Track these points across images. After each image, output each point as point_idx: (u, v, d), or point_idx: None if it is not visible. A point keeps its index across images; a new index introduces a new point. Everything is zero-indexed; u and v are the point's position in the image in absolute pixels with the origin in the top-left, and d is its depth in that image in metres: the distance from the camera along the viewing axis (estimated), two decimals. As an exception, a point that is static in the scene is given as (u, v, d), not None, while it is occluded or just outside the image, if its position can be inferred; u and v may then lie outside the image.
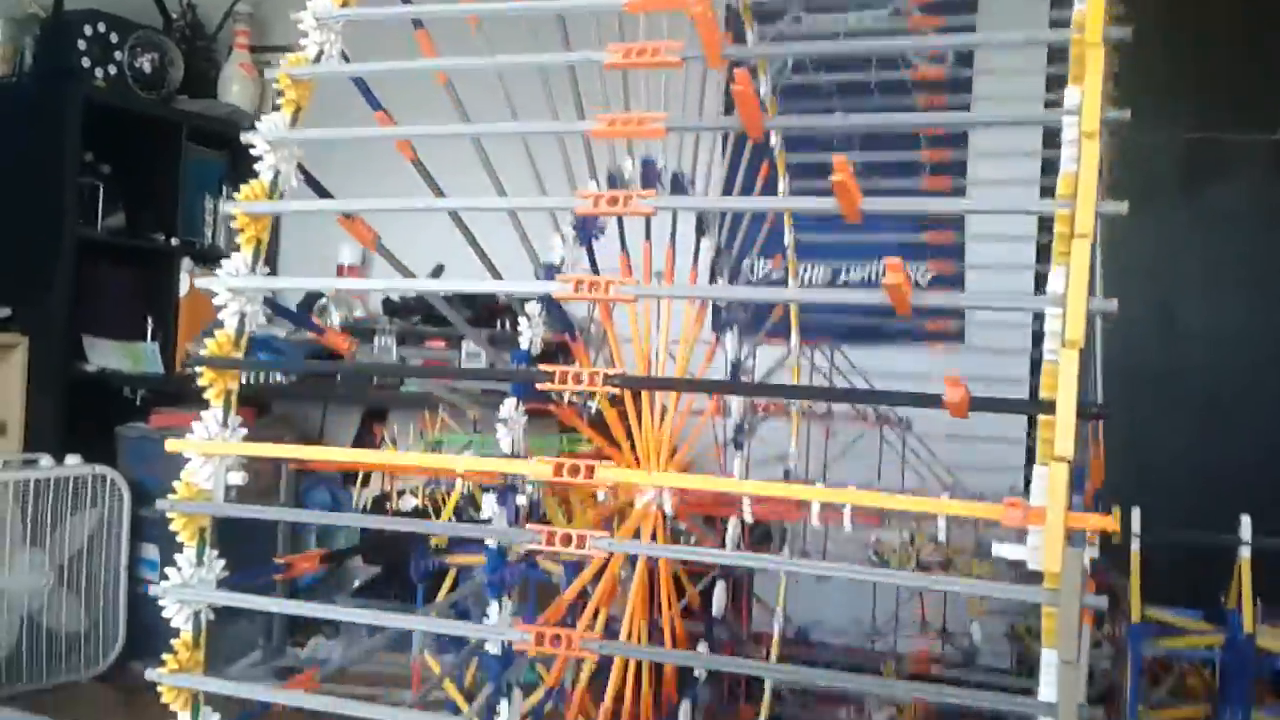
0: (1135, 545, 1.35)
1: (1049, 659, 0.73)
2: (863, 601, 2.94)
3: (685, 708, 1.43)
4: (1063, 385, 0.76)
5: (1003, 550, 0.75)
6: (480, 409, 1.54)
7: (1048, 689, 0.73)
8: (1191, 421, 3.30)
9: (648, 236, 1.27)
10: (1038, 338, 3.23)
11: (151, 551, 3.25)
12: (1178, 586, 1.51)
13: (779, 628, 2.20)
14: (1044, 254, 2.76)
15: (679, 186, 1.33)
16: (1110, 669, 1.71)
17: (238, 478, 0.95)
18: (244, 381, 0.99)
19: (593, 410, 1.93)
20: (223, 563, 0.87)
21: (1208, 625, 1.36)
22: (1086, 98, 0.83)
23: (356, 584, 3.80)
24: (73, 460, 3.08)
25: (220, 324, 0.95)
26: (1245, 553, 1.48)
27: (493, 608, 1.18)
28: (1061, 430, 0.75)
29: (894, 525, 2.82)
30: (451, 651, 1.73)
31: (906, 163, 2.40)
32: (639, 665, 1.30)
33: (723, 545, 1.53)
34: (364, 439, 3.74)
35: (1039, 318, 3.02)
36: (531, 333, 1.16)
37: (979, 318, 3.02)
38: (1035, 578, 0.76)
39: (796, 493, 1.07)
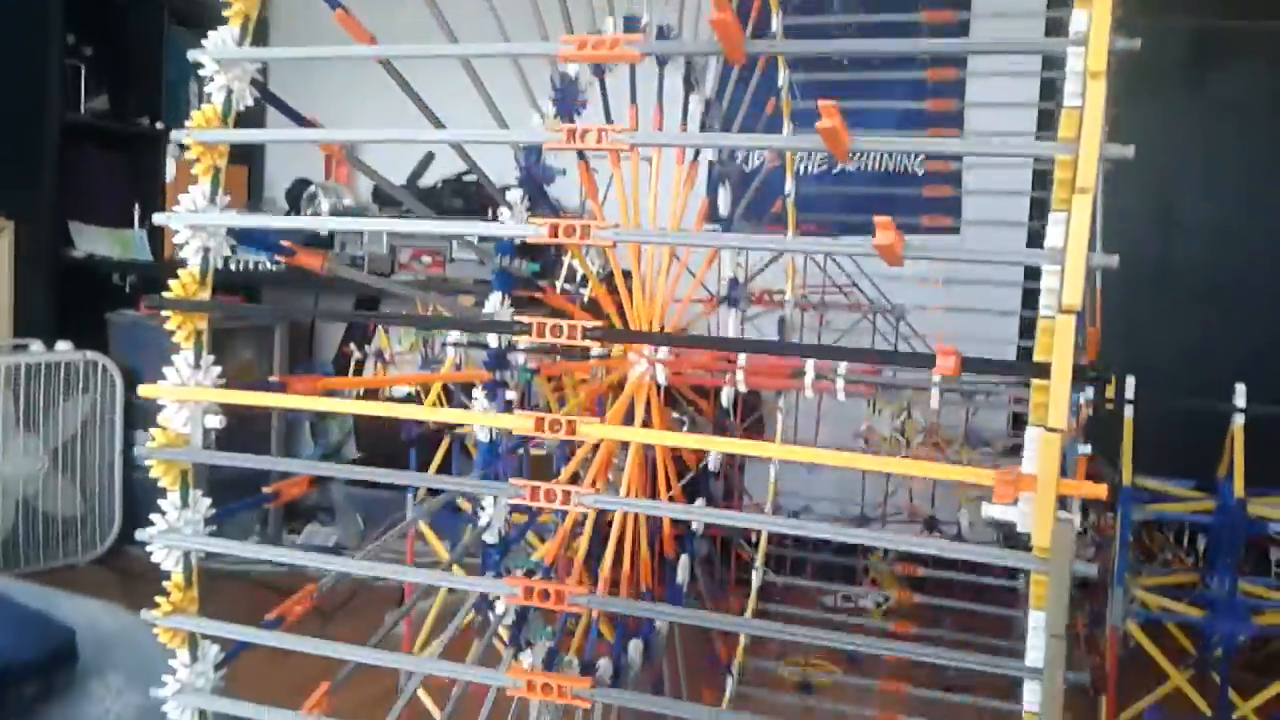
0: (1128, 412, 1.35)
1: (1037, 622, 0.72)
2: (851, 490, 2.96)
3: (684, 561, 1.44)
4: (1058, 354, 0.72)
5: (992, 511, 0.73)
6: (473, 296, 1.52)
7: (1034, 653, 0.72)
8: (1189, 312, 3.29)
9: (634, 100, 1.23)
10: (1034, 236, 3.21)
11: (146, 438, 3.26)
12: (1168, 461, 1.52)
13: (769, 510, 2.22)
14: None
15: (664, 38, 1.28)
16: (1095, 556, 1.74)
17: (215, 421, 0.89)
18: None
19: (585, 298, 1.92)
20: (208, 501, 0.85)
21: (1199, 493, 1.37)
22: (1094, 30, 0.72)
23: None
24: (64, 346, 3.07)
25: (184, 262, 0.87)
26: (1239, 420, 1.50)
27: (488, 501, 1.18)
28: (1055, 401, 0.71)
29: (885, 403, 2.84)
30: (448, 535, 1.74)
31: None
32: (636, 533, 1.31)
33: (717, 419, 1.53)
34: (355, 327, 3.73)
35: (1038, 211, 3.00)
36: (514, 221, 1.11)
37: (975, 214, 2.99)
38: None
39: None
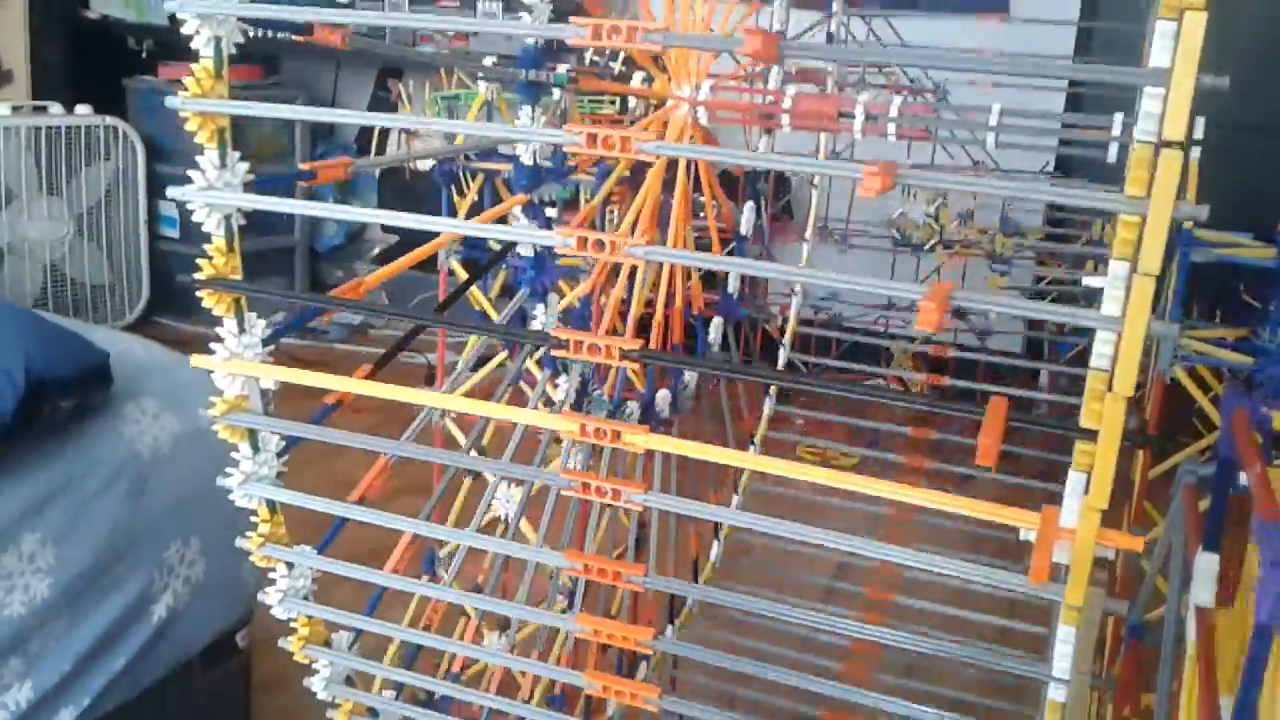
0: (1195, 153, 1.29)
1: (1065, 635, 0.69)
2: (880, 276, 2.93)
3: (717, 322, 1.44)
4: (1107, 421, 0.64)
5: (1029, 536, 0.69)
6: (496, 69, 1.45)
7: (1062, 661, 0.69)
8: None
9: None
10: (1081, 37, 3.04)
11: (170, 209, 3.24)
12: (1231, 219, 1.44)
13: (797, 303, 2.19)
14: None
15: None
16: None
17: (270, 382, 0.83)
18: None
19: (615, 71, 1.83)
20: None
21: (1259, 242, 1.33)
22: None
23: (375, 252, 3.83)
24: (83, 110, 3.01)
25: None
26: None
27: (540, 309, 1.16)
28: (1102, 463, 0.65)
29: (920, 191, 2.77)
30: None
31: None
32: (671, 289, 1.29)
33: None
34: (379, 99, 3.65)
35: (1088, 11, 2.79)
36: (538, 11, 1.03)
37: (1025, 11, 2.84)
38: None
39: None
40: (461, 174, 1.47)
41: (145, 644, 1.21)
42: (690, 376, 1.42)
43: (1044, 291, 2.54)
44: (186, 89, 0.77)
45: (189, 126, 0.76)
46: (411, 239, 0.94)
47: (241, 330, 0.78)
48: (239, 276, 0.80)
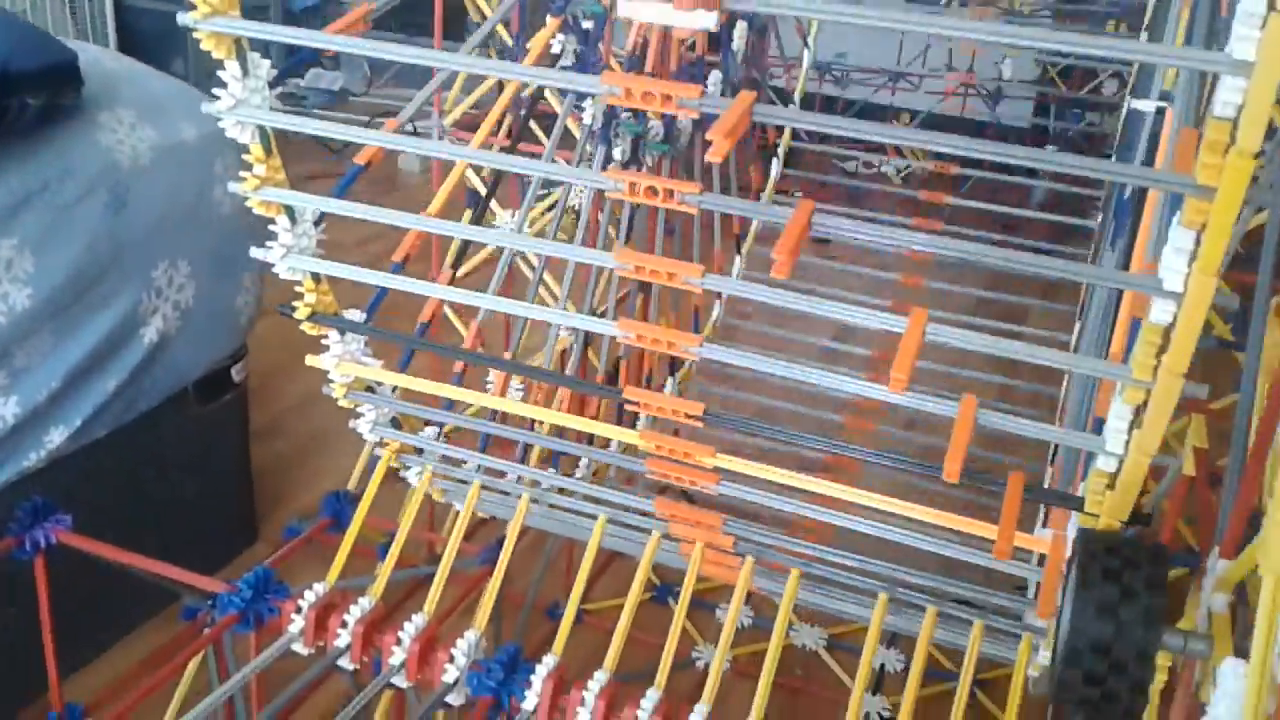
0: None
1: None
2: (887, 46, 2.80)
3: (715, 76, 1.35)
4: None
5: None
6: None
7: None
8: None
9: None
10: None
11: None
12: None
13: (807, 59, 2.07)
14: None
15: None
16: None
17: None
18: None
19: None
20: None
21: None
22: None
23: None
24: None
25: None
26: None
27: None
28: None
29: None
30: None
31: None
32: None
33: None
34: None
35: None
36: None
37: None
38: None
39: None
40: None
41: (137, 367, 1.15)
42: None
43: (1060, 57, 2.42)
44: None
45: (203, 46, 0.66)
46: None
47: (245, 73, 0.68)
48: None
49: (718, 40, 1.39)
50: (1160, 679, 0.67)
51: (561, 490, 0.89)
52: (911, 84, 2.71)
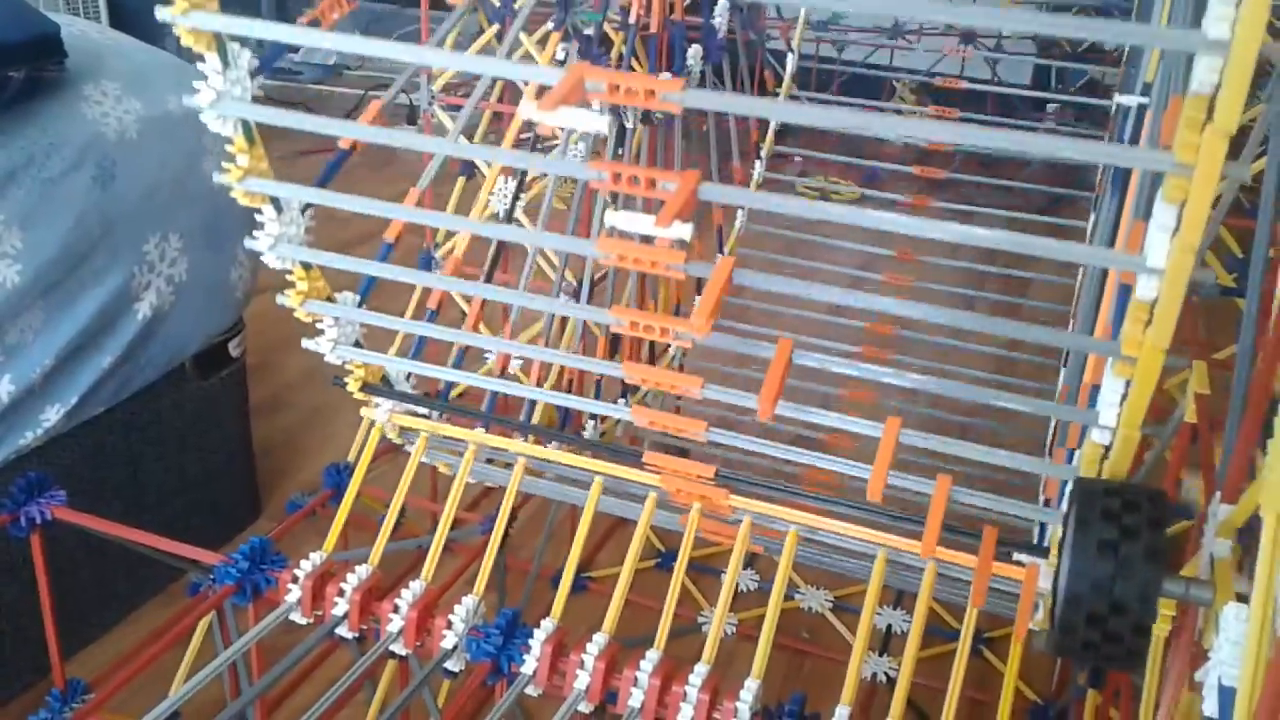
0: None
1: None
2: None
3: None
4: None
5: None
6: None
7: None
8: None
9: None
10: None
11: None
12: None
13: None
14: None
15: None
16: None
17: None
18: None
19: None
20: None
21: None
22: None
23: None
24: None
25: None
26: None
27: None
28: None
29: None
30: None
31: None
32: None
33: None
34: None
35: None
36: None
37: None
38: None
39: None
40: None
41: (132, 342, 1.15)
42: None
43: (1065, 4, 2.38)
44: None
45: (184, 41, 0.64)
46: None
47: (225, 65, 0.66)
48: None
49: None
50: (1163, 629, 0.66)
51: (557, 457, 0.88)
52: (910, 44, 2.68)
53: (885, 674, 1.25)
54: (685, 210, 0.53)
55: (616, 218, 0.57)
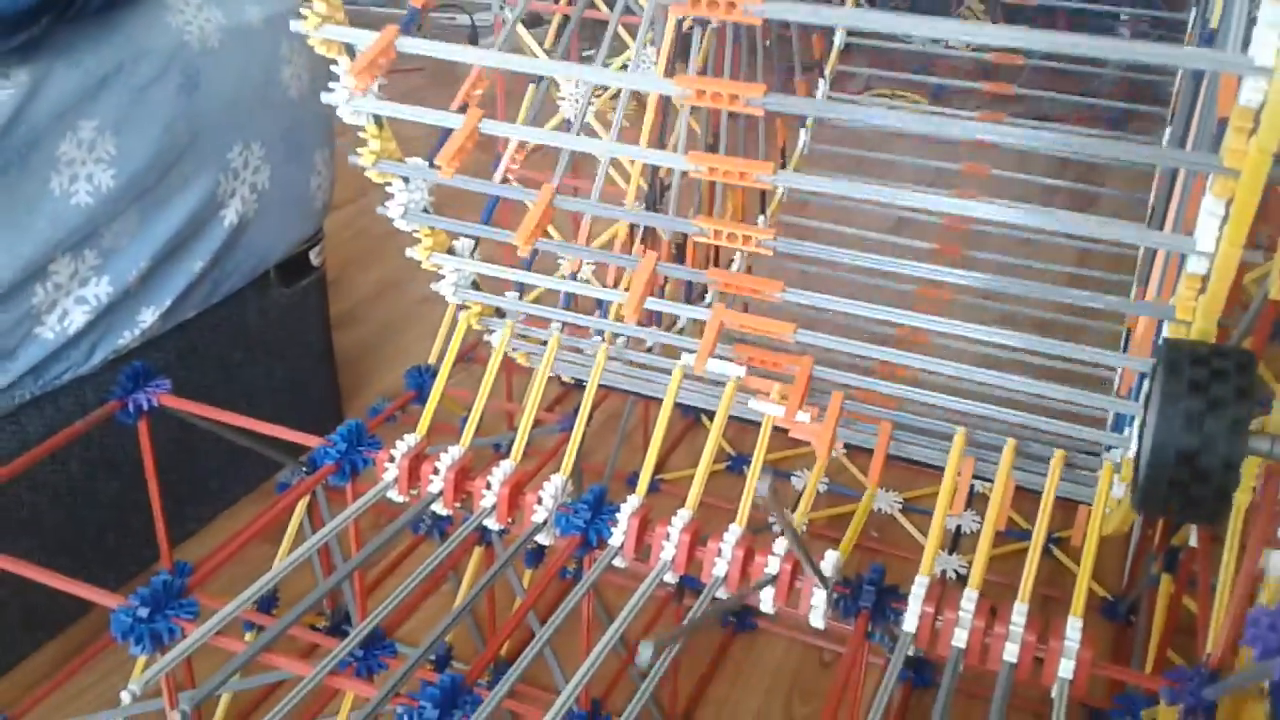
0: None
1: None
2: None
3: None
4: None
5: None
6: None
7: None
8: None
9: None
10: None
11: None
12: None
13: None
14: None
15: None
16: None
17: None
18: None
19: None
20: None
21: None
22: None
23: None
24: None
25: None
26: None
27: None
28: None
29: None
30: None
31: None
32: None
33: None
34: None
35: None
36: None
37: None
38: None
39: None
40: None
41: (220, 248, 1.18)
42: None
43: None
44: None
45: (317, 50, 0.75)
46: None
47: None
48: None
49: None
50: (1244, 498, 0.67)
51: (639, 346, 0.90)
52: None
53: (955, 571, 1.27)
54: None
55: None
